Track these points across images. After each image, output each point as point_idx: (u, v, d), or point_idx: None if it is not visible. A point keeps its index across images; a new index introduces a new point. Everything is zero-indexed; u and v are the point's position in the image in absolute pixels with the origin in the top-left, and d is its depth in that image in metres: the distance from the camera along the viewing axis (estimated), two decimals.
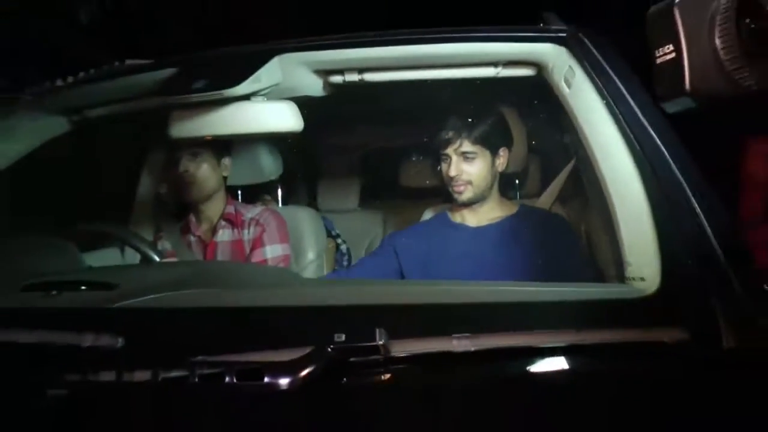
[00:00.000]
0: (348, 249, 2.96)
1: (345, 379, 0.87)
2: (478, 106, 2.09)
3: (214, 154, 2.25)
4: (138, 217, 2.45)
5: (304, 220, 2.43)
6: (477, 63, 1.67)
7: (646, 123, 1.26)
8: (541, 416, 0.82)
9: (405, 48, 1.63)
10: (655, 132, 1.24)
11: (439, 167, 2.12)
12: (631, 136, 1.25)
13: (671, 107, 0.93)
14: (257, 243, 2.23)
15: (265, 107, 1.59)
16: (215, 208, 2.30)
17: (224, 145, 2.30)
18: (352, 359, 0.85)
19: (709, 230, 1.03)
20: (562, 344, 0.86)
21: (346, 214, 3.20)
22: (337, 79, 1.71)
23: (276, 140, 2.51)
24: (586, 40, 1.50)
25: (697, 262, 1.00)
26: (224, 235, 2.28)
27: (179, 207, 2.38)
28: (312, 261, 2.40)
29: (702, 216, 1.05)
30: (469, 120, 2.04)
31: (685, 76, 0.89)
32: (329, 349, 0.83)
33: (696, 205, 1.07)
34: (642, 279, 1.07)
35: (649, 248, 1.06)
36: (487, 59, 1.65)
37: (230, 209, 2.30)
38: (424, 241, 2.15)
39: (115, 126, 2.17)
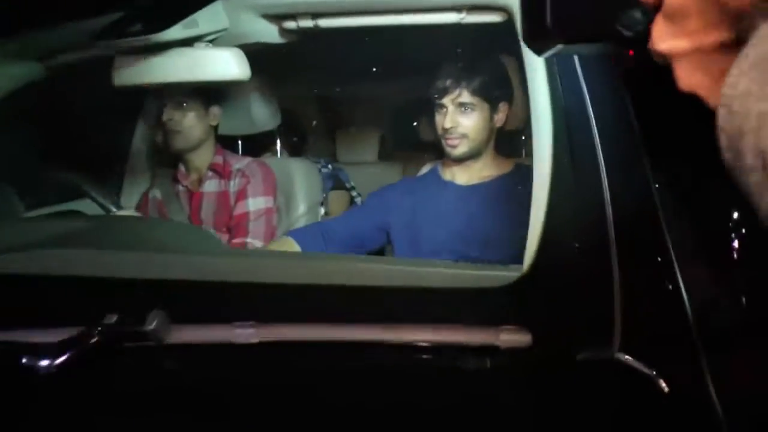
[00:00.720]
0: (363, 202, 2.88)
1: (108, 367, 0.78)
2: (480, 54, 1.93)
3: (202, 102, 2.20)
4: (133, 166, 2.44)
5: (297, 171, 2.36)
6: (438, 8, 1.51)
7: (584, 88, 1.09)
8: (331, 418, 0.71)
9: None
10: (590, 98, 1.07)
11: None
12: (562, 100, 1.09)
13: (537, 49, 0.77)
14: (241, 195, 2.18)
15: (206, 54, 1.51)
16: (203, 157, 2.25)
17: (213, 94, 2.24)
18: (125, 344, 0.76)
19: (610, 216, 0.84)
20: (368, 338, 0.74)
21: (365, 166, 3.11)
22: (290, 24, 1.60)
23: (273, 90, 2.43)
24: None
25: (580, 253, 0.84)
26: (210, 185, 2.24)
27: (173, 156, 2.35)
28: (303, 214, 2.33)
29: (608, 200, 0.87)
30: (470, 69, 1.89)
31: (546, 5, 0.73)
32: (95, 331, 0.75)
33: (605, 184, 0.90)
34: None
35: (536, 224, 0.91)
36: (449, 3, 1.49)
37: (218, 159, 2.25)
38: (411, 198, 2.05)
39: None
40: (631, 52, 0.98)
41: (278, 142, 2.74)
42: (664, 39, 0.55)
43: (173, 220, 1.79)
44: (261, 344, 0.73)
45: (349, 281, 0.92)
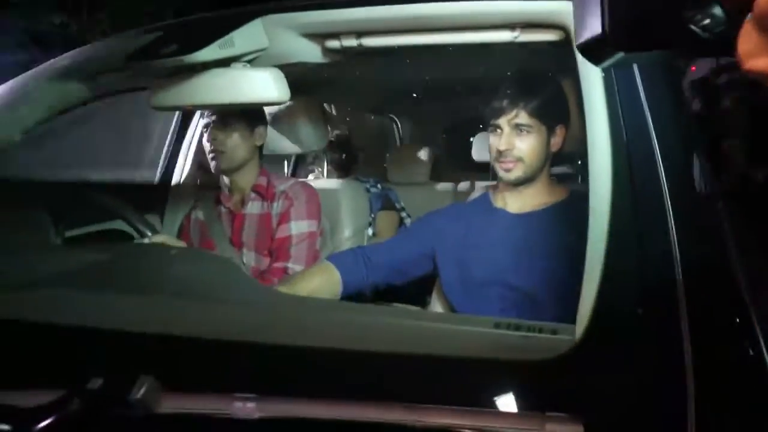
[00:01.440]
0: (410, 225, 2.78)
1: None
2: (538, 74, 1.81)
3: (247, 122, 2.14)
4: (177, 186, 2.40)
5: (343, 193, 2.27)
6: (490, 26, 1.40)
7: (649, 119, 0.96)
8: None
9: (403, 8, 1.40)
10: (657, 132, 0.94)
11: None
12: (624, 134, 0.96)
13: (594, 58, 0.66)
14: (284, 217, 2.10)
15: (243, 74, 1.44)
16: (247, 178, 2.19)
17: (258, 114, 2.18)
18: (109, 412, 0.67)
19: (679, 274, 0.71)
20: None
21: (416, 187, 3.01)
22: (333, 44, 1.52)
23: (321, 110, 2.36)
24: None
25: (645, 321, 0.70)
26: (253, 207, 2.17)
27: (217, 176, 2.30)
28: (348, 238, 2.25)
29: (677, 254, 0.74)
30: (528, 89, 1.77)
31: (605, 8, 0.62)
32: (76, 397, 0.66)
33: (672, 229, 0.77)
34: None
35: (591, 279, 0.78)
36: (501, 20, 1.38)
37: (262, 180, 2.19)
38: (460, 224, 1.93)
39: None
40: (693, 68, 0.85)
41: (325, 162, 2.66)
42: (760, 54, 0.42)
43: (198, 249, 1.69)
44: (263, 420, 0.62)
45: (361, 344, 0.80)
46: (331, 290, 1.81)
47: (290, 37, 1.50)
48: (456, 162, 3.12)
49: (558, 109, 1.81)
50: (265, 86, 1.43)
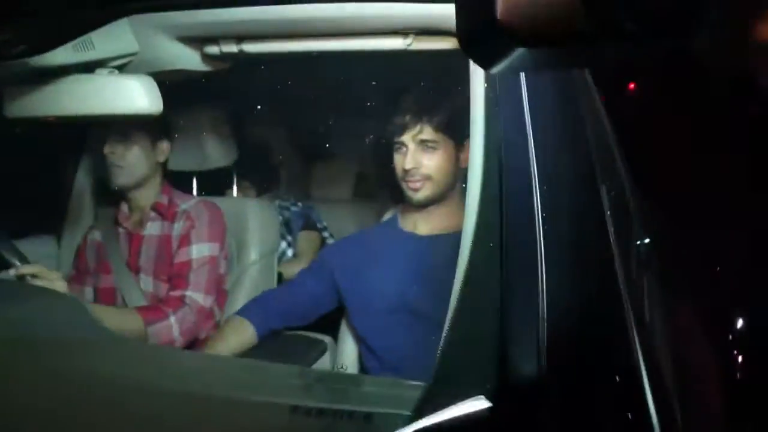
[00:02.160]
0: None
1: None
2: (441, 86, 1.68)
3: (149, 135, 1.97)
4: (75, 204, 2.21)
5: (251, 213, 2.11)
6: (378, 31, 1.28)
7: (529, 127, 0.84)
8: None
9: (285, 8, 1.26)
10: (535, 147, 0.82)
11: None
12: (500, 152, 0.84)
13: (483, 58, 0.52)
14: (184, 240, 1.93)
15: (107, 81, 1.29)
16: (147, 196, 2.02)
17: (162, 127, 2.01)
18: None
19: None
20: None
21: (339, 204, 2.87)
22: (212, 49, 1.38)
23: (229, 123, 2.20)
24: None
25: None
26: (153, 228, 2.00)
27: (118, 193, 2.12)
28: (254, 262, 2.08)
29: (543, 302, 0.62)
30: (431, 102, 1.65)
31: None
32: None
33: (542, 281, 0.65)
34: None
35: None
36: (391, 25, 1.26)
37: (163, 199, 2.02)
38: (365, 251, 1.80)
39: None
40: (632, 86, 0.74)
41: (234, 180, 2.49)
42: None
43: (44, 288, 1.49)
44: None
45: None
46: (249, 344, 1.79)
47: (163, 41, 1.35)
48: (381, 178, 2.98)
49: (466, 123, 1.70)
50: (133, 96, 1.28)
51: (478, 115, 0.95)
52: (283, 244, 2.68)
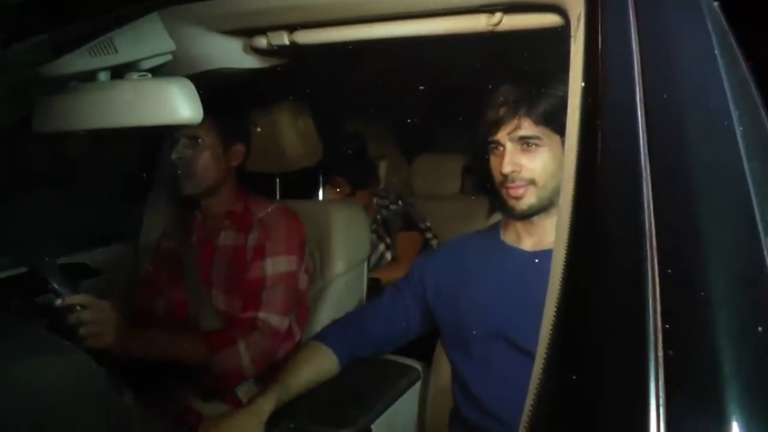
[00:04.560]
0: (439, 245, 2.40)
1: None
2: (538, 70, 1.37)
3: (220, 138, 1.78)
4: (152, 211, 2.08)
5: (338, 218, 1.89)
6: (459, 10, 0.99)
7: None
8: None
9: None
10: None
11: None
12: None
13: None
14: (258, 253, 1.74)
15: (136, 87, 1.08)
16: (221, 203, 1.84)
17: (236, 128, 1.82)
18: None
19: None
20: None
21: (444, 201, 2.60)
22: (260, 42, 1.14)
23: (314, 118, 1.98)
24: None
25: None
26: (227, 238, 1.82)
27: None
28: (341, 274, 1.86)
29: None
30: (528, 90, 1.34)
31: None
32: None
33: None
34: None
35: None
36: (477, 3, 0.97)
37: (238, 206, 1.83)
38: (460, 267, 1.52)
39: None
40: None
41: (321, 180, 2.28)
42: None
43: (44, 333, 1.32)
44: None
45: None
46: (330, 375, 1.55)
47: (202, 36, 1.13)
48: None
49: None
50: (169, 102, 1.07)
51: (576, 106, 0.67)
52: (381, 247, 2.46)
